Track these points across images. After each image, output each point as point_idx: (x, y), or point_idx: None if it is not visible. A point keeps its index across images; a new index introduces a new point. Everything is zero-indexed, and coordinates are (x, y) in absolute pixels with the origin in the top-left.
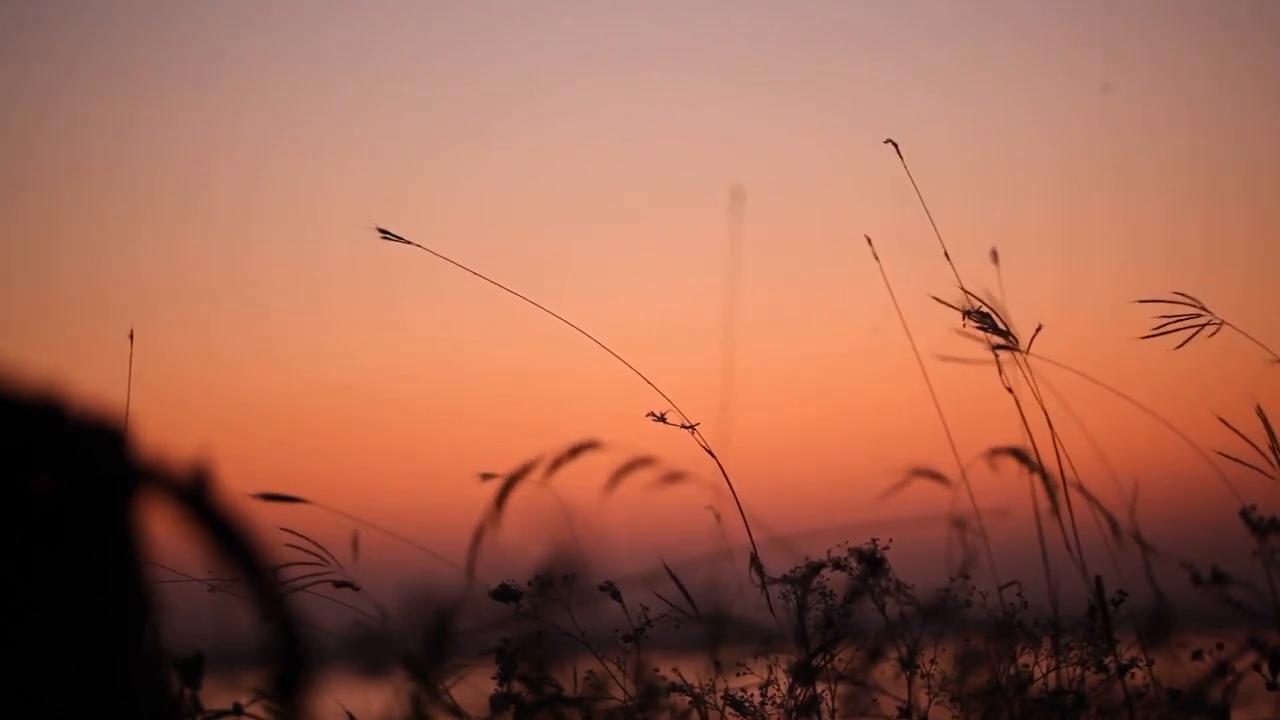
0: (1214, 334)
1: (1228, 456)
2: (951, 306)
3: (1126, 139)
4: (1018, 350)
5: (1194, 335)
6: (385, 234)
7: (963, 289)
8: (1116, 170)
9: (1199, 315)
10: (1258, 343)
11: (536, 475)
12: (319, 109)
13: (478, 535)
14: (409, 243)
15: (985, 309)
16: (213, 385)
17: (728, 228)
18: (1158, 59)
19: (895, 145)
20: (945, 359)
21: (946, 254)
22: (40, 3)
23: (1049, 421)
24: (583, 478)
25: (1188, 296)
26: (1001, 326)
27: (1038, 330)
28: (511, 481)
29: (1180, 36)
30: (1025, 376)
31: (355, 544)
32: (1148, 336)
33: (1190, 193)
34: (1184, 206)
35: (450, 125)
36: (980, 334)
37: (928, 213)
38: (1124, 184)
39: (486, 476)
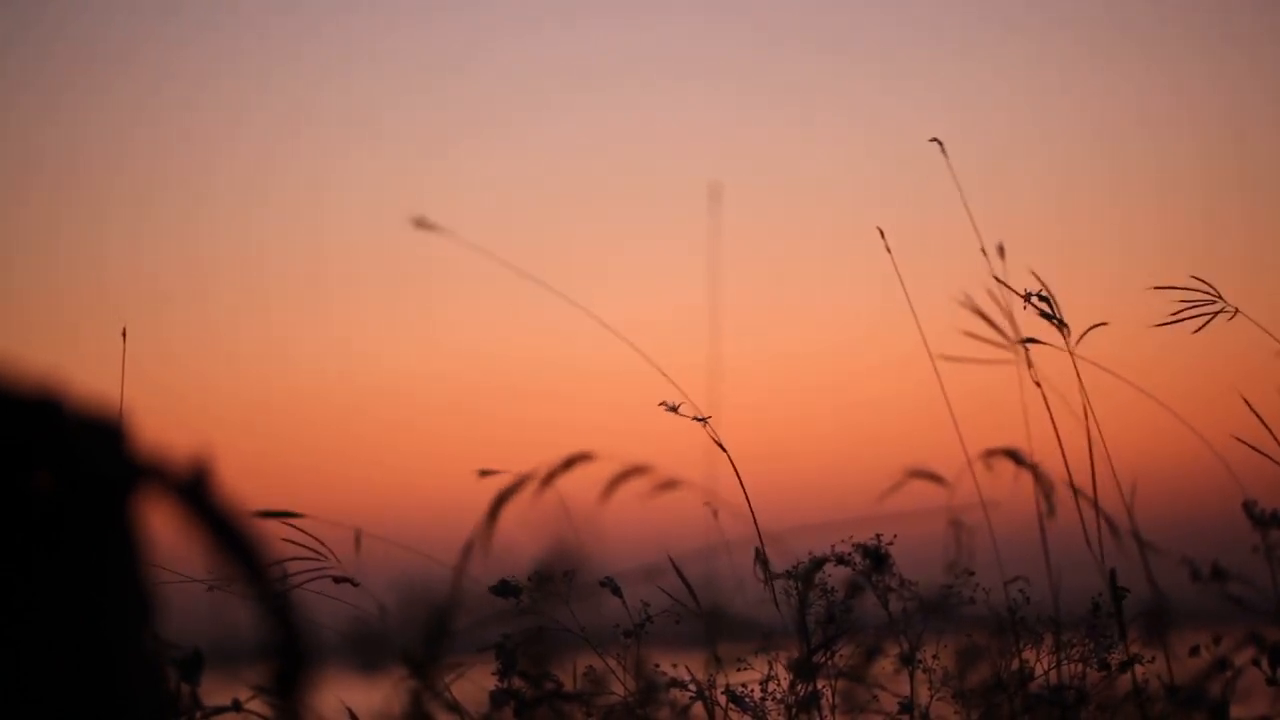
0: (1231, 318)
1: (1244, 443)
2: (1015, 292)
3: (1125, 136)
4: (1066, 345)
5: (1210, 321)
6: (421, 223)
7: (1032, 272)
8: (1115, 167)
9: (1214, 301)
10: (1267, 331)
11: (530, 488)
12: (325, 108)
13: (467, 549)
14: (444, 231)
15: (1046, 293)
16: (214, 382)
17: (707, 224)
18: (1155, 55)
19: (940, 144)
20: (953, 359)
21: (983, 249)
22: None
23: (1086, 415)
24: (581, 479)
25: (1203, 282)
26: (1058, 315)
27: (1094, 326)
28: (504, 496)
29: (1179, 31)
30: (1073, 368)
31: (358, 543)
32: (1164, 324)
33: (1190, 188)
34: (1183, 201)
35: (451, 127)
36: (988, 332)
37: (967, 208)
38: (1122, 181)
39: (485, 473)
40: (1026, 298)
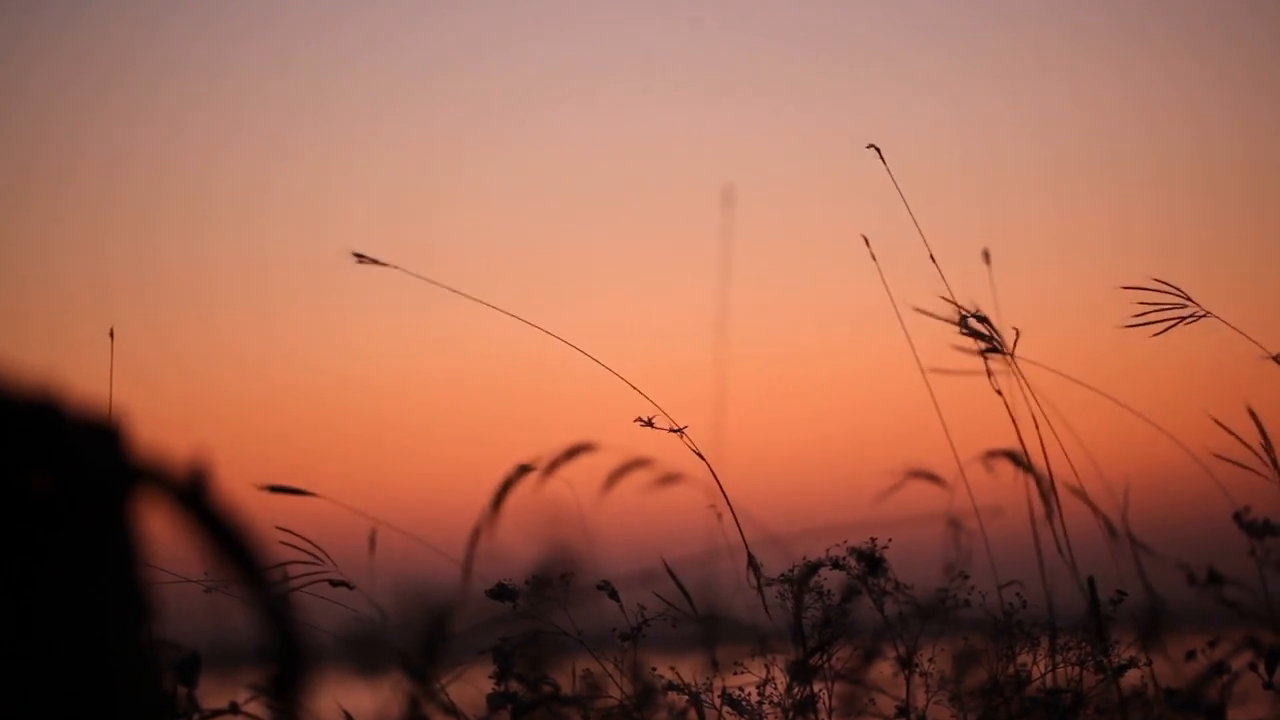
0: (1193, 323)
1: (1225, 459)
2: (935, 317)
3: (1114, 140)
4: (1005, 354)
5: (1175, 325)
6: (360, 257)
7: (950, 298)
8: (1103, 171)
9: (1183, 305)
10: (1248, 337)
11: (534, 477)
12: (327, 108)
13: (474, 537)
14: (384, 265)
15: (976, 315)
16: (210, 383)
17: (719, 228)
18: (1149, 57)
19: (878, 150)
20: (935, 370)
21: (932, 256)
22: (41, 2)
23: (1037, 425)
24: (579, 479)
25: (1170, 285)
26: (987, 332)
27: (1017, 336)
28: (508, 483)
29: (1172, 34)
30: (1016, 380)
31: (373, 541)
32: (1130, 325)
33: (1180, 192)
34: (1173, 205)
35: (454, 133)
36: (970, 338)
37: (912, 216)
38: (1111, 185)
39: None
40: (963, 319)
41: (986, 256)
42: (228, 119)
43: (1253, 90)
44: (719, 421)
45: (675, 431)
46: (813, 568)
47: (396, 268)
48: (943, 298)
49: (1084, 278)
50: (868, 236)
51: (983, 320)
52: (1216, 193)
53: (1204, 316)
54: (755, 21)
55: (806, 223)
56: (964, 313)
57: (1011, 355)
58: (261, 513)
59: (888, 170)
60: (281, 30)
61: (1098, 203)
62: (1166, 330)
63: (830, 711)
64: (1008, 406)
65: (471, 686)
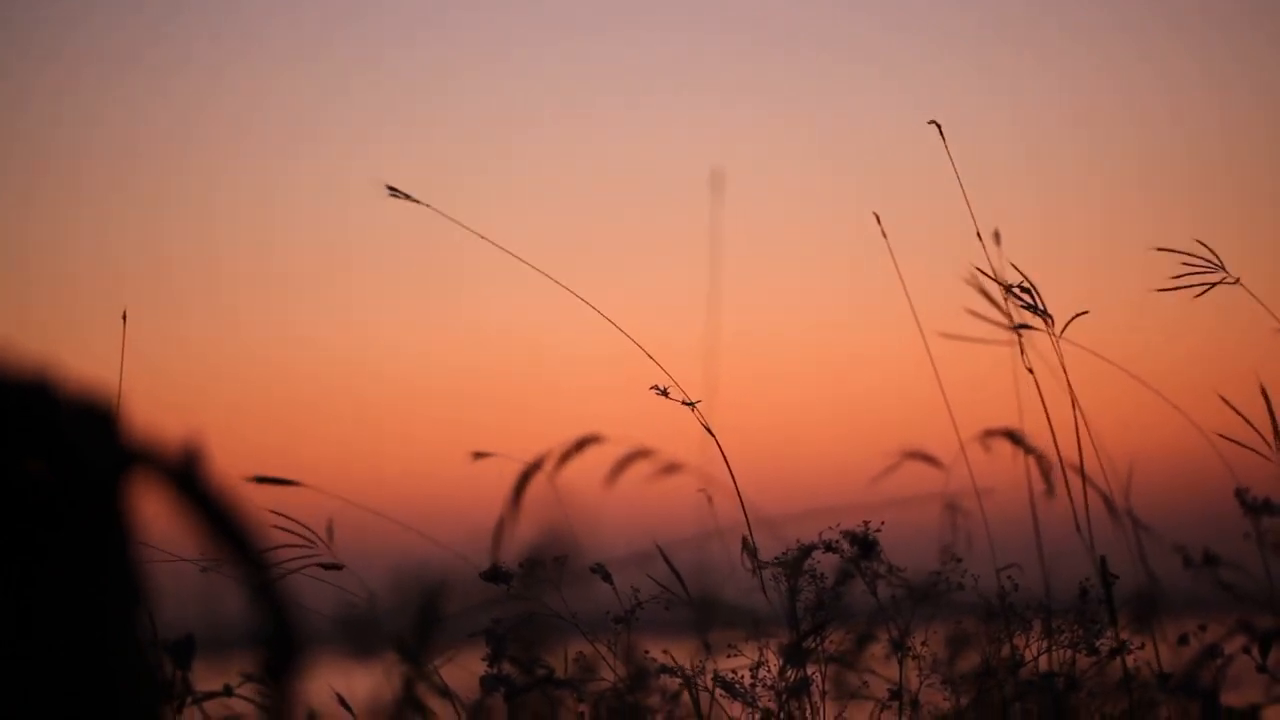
0: (1234, 284)
1: (1230, 439)
2: (998, 282)
3: (1112, 127)
4: (1051, 332)
5: (1209, 289)
6: (393, 191)
7: (1012, 264)
8: (1096, 155)
9: (1215, 270)
10: (1266, 308)
11: (547, 469)
12: (337, 101)
13: (499, 529)
14: (417, 201)
15: (1028, 285)
16: (212, 368)
17: (710, 211)
18: (1148, 53)
19: (939, 126)
20: (952, 337)
21: (979, 234)
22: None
23: (1074, 401)
24: (577, 466)
25: (1206, 247)
26: (1040, 305)
27: (1076, 315)
28: (527, 475)
29: (1175, 28)
30: (1057, 357)
31: (330, 531)
32: (1165, 289)
33: (1175, 174)
34: (1169, 188)
35: (458, 126)
36: (987, 314)
37: (964, 191)
38: (1106, 168)
39: (479, 455)
40: (1008, 290)
41: (997, 237)
42: (241, 106)
43: (1245, 77)
44: (711, 404)
45: (688, 405)
46: (806, 551)
47: (428, 205)
48: (980, 270)
49: (1083, 262)
50: (878, 215)
51: (1026, 292)
52: (1212, 172)
53: (1235, 283)
54: (756, 25)
55: (803, 209)
56: (1012, 284)
57: (1059, 334)
58: (257, 497)
59: (945, 147)
60: (297, 19)
61: (1094, 189)
62: (1203, 294)
63: (823, 694)
64: (1037, 385)
65: (464, 670)
